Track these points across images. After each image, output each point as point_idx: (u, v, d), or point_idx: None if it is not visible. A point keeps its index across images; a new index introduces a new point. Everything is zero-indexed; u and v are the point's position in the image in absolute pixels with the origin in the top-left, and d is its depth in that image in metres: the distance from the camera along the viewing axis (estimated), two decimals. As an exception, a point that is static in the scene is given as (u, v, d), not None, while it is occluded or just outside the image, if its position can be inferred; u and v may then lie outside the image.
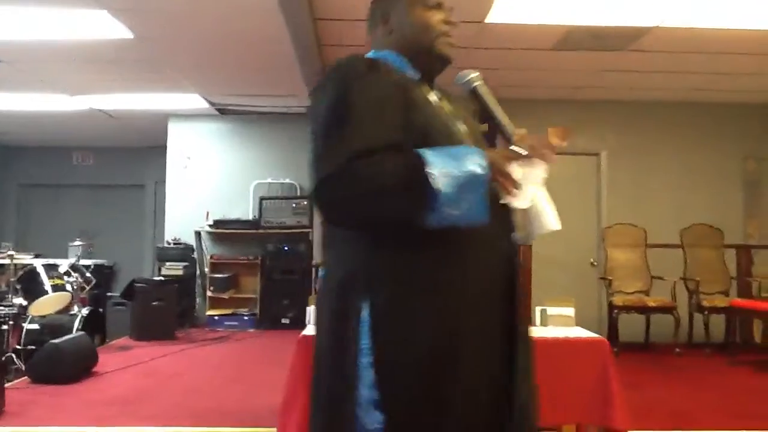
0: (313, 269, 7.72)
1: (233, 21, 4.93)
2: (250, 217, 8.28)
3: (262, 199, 8.23)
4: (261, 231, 8.10)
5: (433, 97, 1.59)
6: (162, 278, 7.85)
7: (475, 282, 1.46)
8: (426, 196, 1.32)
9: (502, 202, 1.44)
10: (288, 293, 7.76)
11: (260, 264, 8.13)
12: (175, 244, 8.27)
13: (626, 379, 5.32)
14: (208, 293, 8.15)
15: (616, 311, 6.58)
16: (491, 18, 5.06)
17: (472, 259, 1.46)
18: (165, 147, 8.59)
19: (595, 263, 7.50)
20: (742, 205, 7.71)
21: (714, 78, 6.70)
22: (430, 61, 1.61)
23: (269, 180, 8.42)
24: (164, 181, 8.66)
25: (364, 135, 1.38)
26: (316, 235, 7.79)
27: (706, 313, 6.68)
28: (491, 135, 1.61)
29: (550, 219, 1.58)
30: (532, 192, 1.48)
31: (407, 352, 1.40)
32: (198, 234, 8.37)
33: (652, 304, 6.52)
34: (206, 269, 8.27)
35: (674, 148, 7.68)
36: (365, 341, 1.40)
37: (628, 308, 6.54)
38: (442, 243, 1.42)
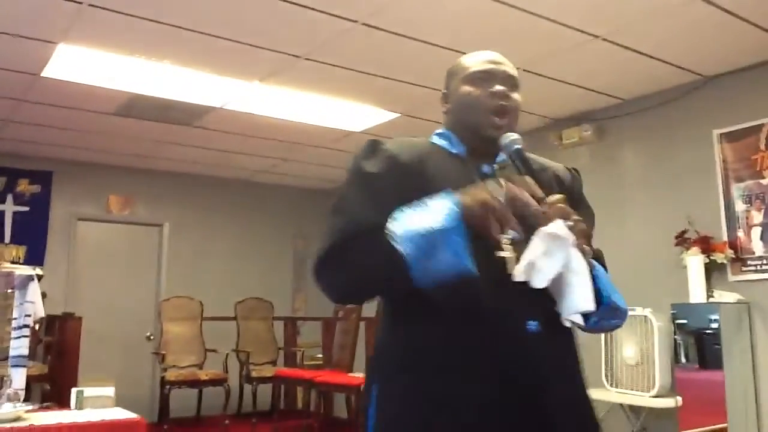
0: None
1: None
2: None
3: None
4: None
5: (478, 170, 1.48)
6: None
7: (483, 367, 1.31)
8: (399, 256, 1.25)
9: (516, 280, 1.28)
10: None
11: None
12: None
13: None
14: None
15: (168, 387, 6.43)
16: (48, 72, 4.68)
17: (482, 342, 1.31)
18: None
19: (152, 337, 7.31)
20: (292, 279, 8.40)
21: (271, 162, 7.26)
22: (474, 140, 1.51)
23: None
24: None
25: (351, 220, 1.36)
26: None
27: (254, 383, 6.98)
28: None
29: (578, 298, 1.31)
30: (553, 269, 1.28)
31: None
32: None
33: (204, 377, 6.55)
34: None
35: (233, 224, 8.05)
36: (371, 422, 1.38)
37: (180, 383, 6.45)
38: (448, 322, 1.33)
